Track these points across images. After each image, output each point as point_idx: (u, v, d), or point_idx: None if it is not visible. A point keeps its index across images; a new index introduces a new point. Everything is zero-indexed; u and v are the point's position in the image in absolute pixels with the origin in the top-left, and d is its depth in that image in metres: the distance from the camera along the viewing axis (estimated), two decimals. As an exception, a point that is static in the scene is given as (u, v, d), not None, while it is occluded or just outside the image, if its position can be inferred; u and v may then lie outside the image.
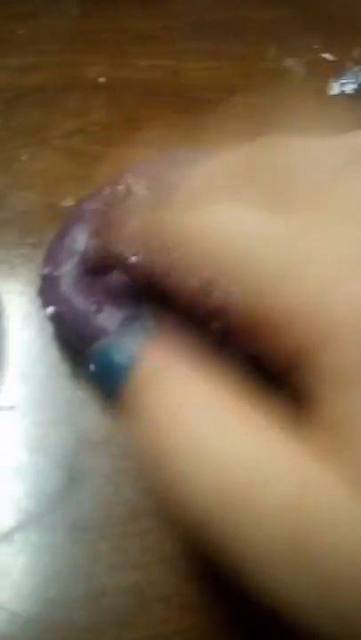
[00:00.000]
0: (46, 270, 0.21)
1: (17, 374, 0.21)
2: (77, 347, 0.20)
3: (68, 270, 0.20)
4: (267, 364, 0.11)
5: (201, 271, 0.12)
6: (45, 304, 0.20)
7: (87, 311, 0.19)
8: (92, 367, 0.13)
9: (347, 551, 0.09)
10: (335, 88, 0.29)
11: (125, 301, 0.18)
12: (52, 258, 0.21)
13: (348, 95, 0.30)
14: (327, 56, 0.31)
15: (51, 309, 0.20)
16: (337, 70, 0.30)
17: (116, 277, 0.19)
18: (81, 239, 0.21)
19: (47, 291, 0.21)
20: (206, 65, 0.30)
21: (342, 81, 0.29)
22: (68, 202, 0.24)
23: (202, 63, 0.30)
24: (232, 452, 0.10)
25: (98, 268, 0.18)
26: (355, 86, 0.29)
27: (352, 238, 0.11)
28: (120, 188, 0.21)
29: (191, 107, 0.28)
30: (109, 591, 0.17)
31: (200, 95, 0.29)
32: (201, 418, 0.11)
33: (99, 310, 0.19)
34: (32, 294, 0.22)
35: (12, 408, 0.20)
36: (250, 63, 0.30)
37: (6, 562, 0.17)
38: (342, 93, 0.29)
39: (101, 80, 0.29)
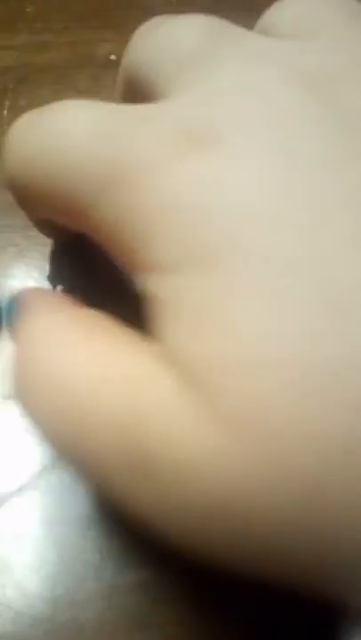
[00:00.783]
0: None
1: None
2: None
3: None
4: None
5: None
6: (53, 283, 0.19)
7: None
8: None
9: (176, 447, 0.09)
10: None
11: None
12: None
13: None
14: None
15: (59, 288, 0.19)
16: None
17: None
18: None
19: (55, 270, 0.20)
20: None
21: None
22: (79, 183, 0.23)
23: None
24: (76, 366, 0.10)
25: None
26: None
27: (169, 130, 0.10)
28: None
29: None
30: (120, 590, 0.16)
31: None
32: (55, 344, 0.11)
33: None
34: (40, 278, 0.21)
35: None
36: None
37: (11, 559, 0.16)
38: None
39: (113, 57, 0.27)
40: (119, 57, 0.28)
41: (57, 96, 0.26)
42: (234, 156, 0.10)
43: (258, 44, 0.12)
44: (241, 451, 0.08)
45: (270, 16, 0.14)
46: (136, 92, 0.14)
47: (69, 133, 0.11)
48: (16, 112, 0.25)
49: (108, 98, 0.26)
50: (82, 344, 0.11)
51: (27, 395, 0.11)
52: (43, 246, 0.21)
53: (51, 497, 0.17)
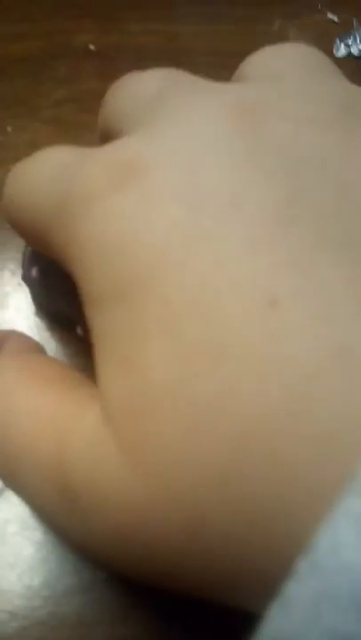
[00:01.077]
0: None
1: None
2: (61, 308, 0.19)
3: None
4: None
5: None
6: (28, 267, 0.19)
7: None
8: None
9: (93, 478, 0.10)
10: (341, 50, 0.28)
11: None
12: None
13: (355, 57, 0.28)
14: (332, 17, 0.29)
15: (34, 271, 0.19)
16: (343, 32, 0.28)
17: None
18: None
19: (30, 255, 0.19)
20: (205, 29, 0.28)
21: (348, 42, 0.28)
22: (57, 174, 0.23)
23: (201, 27, 0.28)
24: (13, 411, 0.12)
25: None
26: (361, 47, 0.28)
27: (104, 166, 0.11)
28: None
29: (189, 72, 0.26)
30: (100, 584, 0.16)
31: (198, 60, 0.27)
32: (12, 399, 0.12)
33: None
34: (16, 270, 0.21)
35: None
36: (252, 26, 0.29)
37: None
38: (349, 55, 0.28)
39: (92, 47, 0.27)
40: (98, 46, 0.27)
41: (34, 87, 0.26)
42: (155, 190, 0.10)
43: (206, 87, 0.13)
44: (140, 482, 0.09)
45: (242, 65, 0.15)
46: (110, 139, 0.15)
47: (37, 170, 0.13)
48: (-6, 103, 0.25)
49: (87, 87, 0.26)
50: (23, 389, 0.12)
51: None
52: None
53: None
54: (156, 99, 0.13)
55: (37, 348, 0.16)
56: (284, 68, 0.14)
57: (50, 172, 0.12)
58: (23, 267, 0.19)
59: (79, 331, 0.18)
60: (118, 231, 0.10)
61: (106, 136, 0.15)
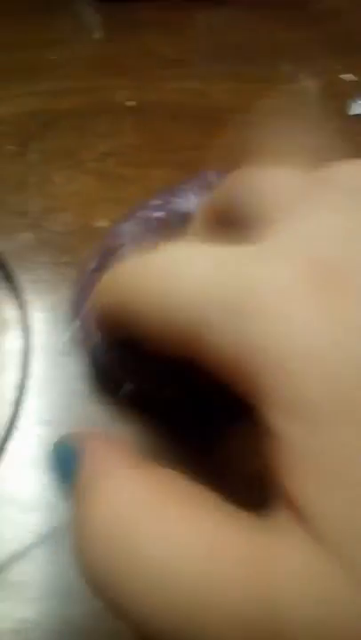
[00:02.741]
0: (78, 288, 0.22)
1: (41, 390, 0.21)
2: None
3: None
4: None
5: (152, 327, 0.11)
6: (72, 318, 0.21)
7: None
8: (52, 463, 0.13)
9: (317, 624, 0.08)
10: (355, 108, 0.30)
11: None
12: (86, 280, 0.22)
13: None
14: (347, 76, 0.32)
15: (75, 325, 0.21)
16: (357, 90, 0.31)
17: None
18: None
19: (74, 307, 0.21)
20: (229, 87, 0.31)
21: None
22: (102, 223, 0.25)
23: (225, 85, 0.31)
24: (174, 556, 0.09)
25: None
26: (375, 106, 0.30)
27: (294, 265, 0.10)
28: (156, 213, 0.22)
29: (218, 128, 0.29)
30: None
31: (226, 116, 0.30)
32: (140, 525, 0.10)
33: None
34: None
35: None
36: (271, 84, 0.31)
37: (25, 579, 0.18)
38: (362, 114, 0.30)
39: (130, 103, 0.30)
40: (137, 102, 0.30)
41: (79, 140, 0.28)
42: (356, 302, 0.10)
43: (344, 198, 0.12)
44: None
45: (238, 193, 0.15)
46: (220, 222, 0.15)
47: (189, 275, 0.11)
48: (41, 155, 0.27)
49: (126, 142, 0.28)
50: (180, 518, 0.10)
51: (110, 574, 0.10)
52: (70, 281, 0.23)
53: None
54: (298, 194, 0.13)
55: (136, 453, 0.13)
56: None
57: (203, 276, 0.11)
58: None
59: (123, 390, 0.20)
60: (320, 353, 0.09)
61: (216, 219, 0.16)
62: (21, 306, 0.23)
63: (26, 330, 0.22)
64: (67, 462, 0.12)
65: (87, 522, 0.10)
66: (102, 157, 0.27)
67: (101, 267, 0.22)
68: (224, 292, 0.10)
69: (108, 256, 0.22)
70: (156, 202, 0.22)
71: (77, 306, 0.21)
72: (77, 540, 0.10)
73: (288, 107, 0.30)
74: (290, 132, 0.26)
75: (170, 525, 0.10)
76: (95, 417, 0.21)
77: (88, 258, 0.22)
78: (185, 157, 0.27)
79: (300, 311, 0.10)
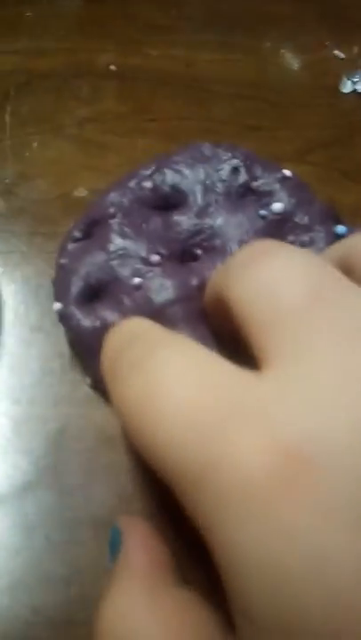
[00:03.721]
0: (62, 260, 0.20)
1: (20, 369, 0.20)
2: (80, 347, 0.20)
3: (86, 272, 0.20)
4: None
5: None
6: (56, 298, 0.20)
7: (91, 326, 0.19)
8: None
9: None
10: (348, 86, 0.29)
11: None
12: (69, 254, 0.20)
13: (360, 93, 0.29)
14: (339, 53, 0.31)
15: (58, 305, 0.20)
16: (350, 68, 0.30)
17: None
18: (109, 239, 0.20)
19: (60, 284, 0.20)
20: (218, 57, 0.30)
21: (355, 79, 0.29)
22: (81, 192, 0.24)
23: (214, 55, 0.30)
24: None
25: None
26: (367, 85, 0.29)
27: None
28: (146, 184, 0.21)
29: (204, 99, 0.28)
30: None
31: (212, 88, 0.28)
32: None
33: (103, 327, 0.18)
34: (46, 285, 0.22)
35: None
36: (262, 58, 0.30)
37: (29, 561, 0.17)
38: (354, 91, 0.29)
39: (112, 68, 0.28)
40: (119, 67, 0.28)
41: (58, 104, 0.26)
42: (330, 500, 0.09)
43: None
44: None
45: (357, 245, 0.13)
46: (220, 311, 0.14)
47: (167, 407, 0.10)
48: (18, 119, 0.25)
49: (108, 108, 0.26)
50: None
51: None
52: (48, 254, 0.22)
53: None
54: (301, 310, 0.11)
55: (169, 565, 0.13)
56: None
57: (182, 413, 0.10)
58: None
59: (87, 381, 0.20)
60: (286, 557, 0.09)
61: (218, 307, 0.14)
62: (-7, 277, 0.22)
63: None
64: (115, 544, 0.14)
65: (99, 622, 0.12)
66: (82, 123, 0.26)
67: (86, 237, 0.21)
68: (194, 450, 0.10)
69: (93, 226, 0.20)
70: (146, 171, 0.21)
71: (61, 283, 0.20)
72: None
73: (277, 82, 0.29)
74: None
75: None
76: (69, 398, 0.20)
77: (72, 228, 0.21)
78: (170, 127, 0.26)
79: (260, 512, 0.09)
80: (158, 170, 0.21)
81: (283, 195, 0.21)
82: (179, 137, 0.26)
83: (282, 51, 0.30)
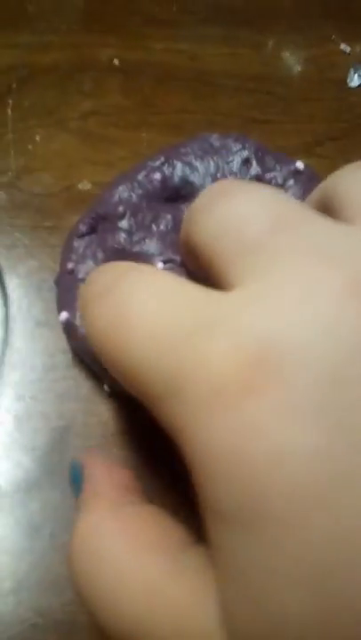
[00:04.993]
0: (70, 265, 0.20)
1: (23, 364, 0.20)
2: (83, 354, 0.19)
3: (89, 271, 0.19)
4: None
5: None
6: (60, 307, 0.19)
7: None
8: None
9: None
10: (355, 80, 0.29)
11: None
12: (75, 252, 0.20)
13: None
14: (346, 47, 0.30)
15: (64, 315, 0.19)
16: (357, 62, 0.30)
17: None
18: (112, 237, 0.19)
19: (63, 292, 0.19)
20: (223, 51, 0.29)
21: (361, 73, 0.29)
22: (85, 185, 0.23)
23: (218, 49, 0.29)
24: (120, 599, 0.11)
25: None
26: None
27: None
28: (155, 176, 0.20)
29: (208, 93, 0.27)
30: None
31: (217, 81, 0.28)
32: (101, 565, 0.11)
33: None
34: (49, 280, 0.21)
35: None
36: (267, 51, 0.30)
37: (33, 562, 0.16)
38: (361, 85, 0.29)
39: (116, 62, 0.28)
40: (122, 61, 0.28)
41: (61, 97, 0.26)
42: (292, 400, 0.09)
43: (324, 235, 0.11)
44: None
45: (335, 185, 0.14)
46: (197, 259, 0.14)
47: (136, 326, 0.11)
48: (20, 112, 0.25)
49: (111, 102, 0.26)
50: (129, 559, 0.11)
51: (80, 586, 0.12)
52: (51, 248, 0.22)
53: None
54: (264, 239, 0.11)
55: (134, 487, 0.14)
56: None
57: (148, 334, 0.11)
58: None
59: (106, 387, 0.19)
60: (250, 450, 0.09)
61: (192, 255, 0.14)
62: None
63: (4, 298, 0.21)
64: (77, 480, 0.14)
65: (71, 542, 0.12)
66: (86, 116, 0.25)
67: (92, 232, 0.20)
68: (163, 366, 0.10)
69: (99, 220, 0.20)
70: (155, 163, 0.20)
71: (67, 290, 0.19)
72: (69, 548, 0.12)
73: (282, 75, 0.29)
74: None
75: (123, 571, 0.11)
76: (74, 394, 0.19)
77: (77, 223, 0.20)
78: (174, 121, 0.26)
79: (227, 413, 0.09)
80: (167, 161, 0.20)
81: (296, 188, 0.20)
82: (184, 130, 0.25)
83: (287, 44, 0.30)
